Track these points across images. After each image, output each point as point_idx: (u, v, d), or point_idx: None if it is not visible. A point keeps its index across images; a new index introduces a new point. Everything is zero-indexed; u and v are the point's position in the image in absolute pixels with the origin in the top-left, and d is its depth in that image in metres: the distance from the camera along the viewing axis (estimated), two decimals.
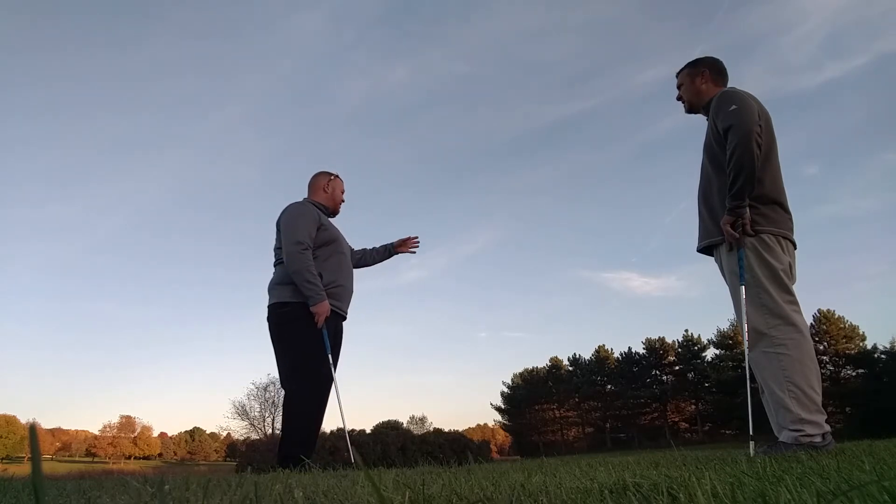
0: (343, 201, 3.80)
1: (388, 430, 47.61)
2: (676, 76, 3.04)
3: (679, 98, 3.01)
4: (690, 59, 2.99)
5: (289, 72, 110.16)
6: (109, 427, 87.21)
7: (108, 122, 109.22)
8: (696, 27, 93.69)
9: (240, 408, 48.09)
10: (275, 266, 3.59)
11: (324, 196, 3.71)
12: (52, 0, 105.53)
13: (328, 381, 3.40)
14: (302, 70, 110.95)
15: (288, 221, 3.46)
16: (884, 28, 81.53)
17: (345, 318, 3.62)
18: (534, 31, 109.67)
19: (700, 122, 2.98)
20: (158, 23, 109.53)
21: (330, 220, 3.70)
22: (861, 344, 46.78)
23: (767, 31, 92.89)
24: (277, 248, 3.55)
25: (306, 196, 3.76)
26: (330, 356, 3.41)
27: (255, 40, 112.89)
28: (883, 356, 44.55)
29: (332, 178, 3.75)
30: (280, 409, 3.52)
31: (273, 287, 3.49)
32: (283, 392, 3.47)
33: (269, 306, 3.48)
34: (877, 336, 67.45)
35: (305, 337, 3.34)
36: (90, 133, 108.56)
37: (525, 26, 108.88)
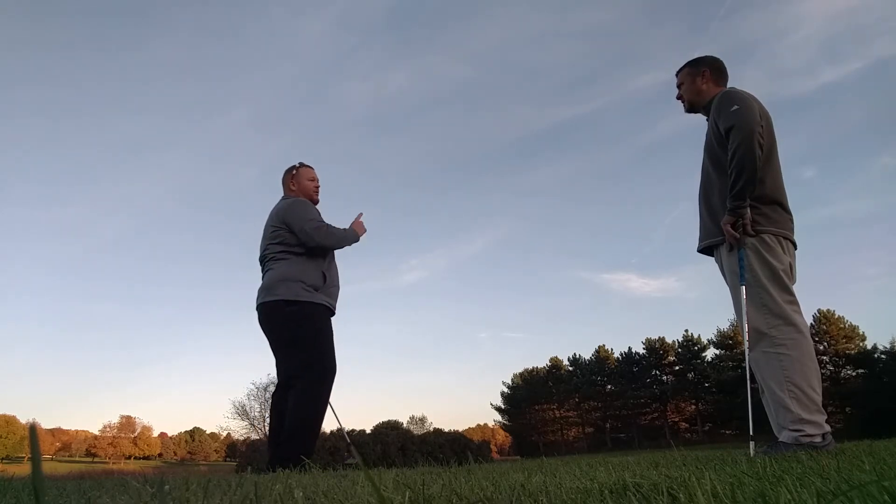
0: (317, 188, 3.63)
1: (388, 430, 47.57)
2: (676, 75, 3.01)
3: (679, 97, 2.99)
4: (690, 59, 2.96)
5: (292, 75, 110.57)
6: (109, 427, 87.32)
7: (113, 124, 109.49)
8: (695, 31, 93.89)
9: (240, 408, 48.21)
10: (263, 263, 3.53)
11: (293, 192, 3.56)
12: (58, 1, 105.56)
13: (333, 378, 3.42)
14: (305, 74, 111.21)
15: (296, 210, 3.40)
16: (879, 33, 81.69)
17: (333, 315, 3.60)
18: (534, 36, 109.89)
19: (699, 124, 2.97)
20: (163, 26, 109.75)
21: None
22: (861, 344, 46.80)
23: (765, 36, 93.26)
24: (272, 244, 3.46)
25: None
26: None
27: (259, 44, 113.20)
28: (883, 356, 44.57)
29: (295, 170, 3.59)
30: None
31: (277, 283, 3.35)
32: None
33: (272, 302, 3.35)
34: (877, 336, 67.62)
35: (318, 335, 3.35)
36: (95, 135, 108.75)
37: (526, 30, 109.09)
